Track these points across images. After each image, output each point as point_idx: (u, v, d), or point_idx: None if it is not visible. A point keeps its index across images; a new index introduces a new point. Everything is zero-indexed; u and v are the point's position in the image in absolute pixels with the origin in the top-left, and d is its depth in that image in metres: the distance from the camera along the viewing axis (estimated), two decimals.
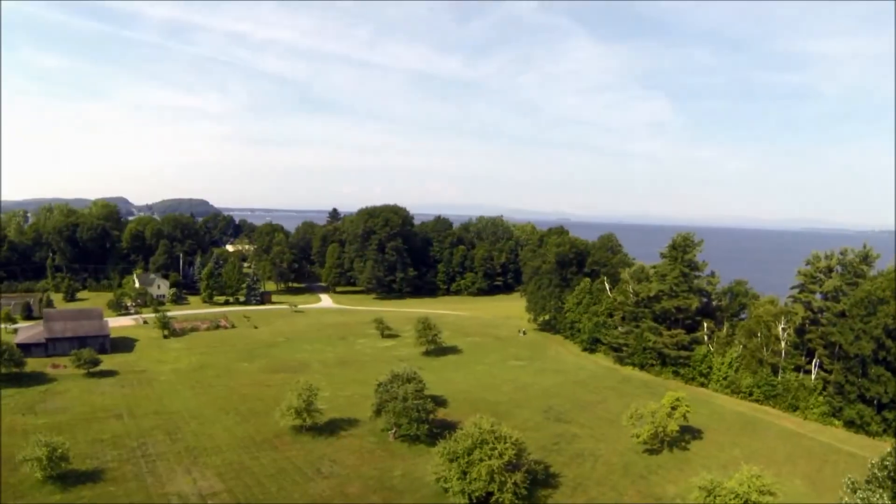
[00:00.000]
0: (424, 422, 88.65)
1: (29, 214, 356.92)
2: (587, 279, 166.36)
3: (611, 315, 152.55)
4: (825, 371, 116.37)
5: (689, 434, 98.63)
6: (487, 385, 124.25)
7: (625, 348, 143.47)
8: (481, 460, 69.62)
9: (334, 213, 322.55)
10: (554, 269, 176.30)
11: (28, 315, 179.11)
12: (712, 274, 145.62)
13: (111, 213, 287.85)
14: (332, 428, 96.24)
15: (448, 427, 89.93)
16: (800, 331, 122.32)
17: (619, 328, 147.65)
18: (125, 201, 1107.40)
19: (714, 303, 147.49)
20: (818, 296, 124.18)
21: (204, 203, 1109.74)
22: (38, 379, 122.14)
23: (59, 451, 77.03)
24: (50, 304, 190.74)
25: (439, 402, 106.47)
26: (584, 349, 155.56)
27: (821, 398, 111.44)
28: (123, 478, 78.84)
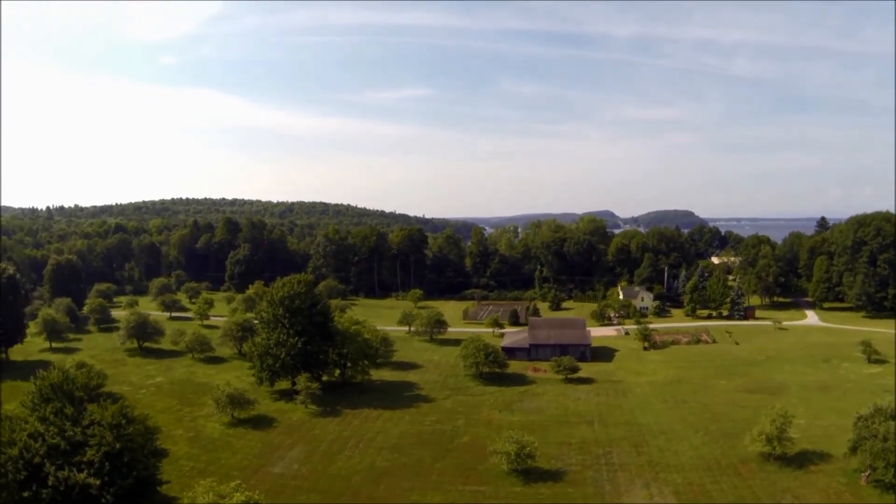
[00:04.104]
0: None
1: (519, 229, 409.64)
2: None
3: None
4: None
5: None
6: None
7: None
8: None
9: (822, 222, 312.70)
10: None
11: (514, 321, 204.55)
12: None
13: (597, 228, 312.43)
14: (801, 460, 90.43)
15: None
16: None
17: None
18: (611, 214, 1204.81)
19: None
20: None
21: (689, 214, 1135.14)
22: (519, 380, 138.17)
23: (528, 448, 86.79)
24: (536, 312, 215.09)
25: None
26: None
27: None
28: (583, 482, 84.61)
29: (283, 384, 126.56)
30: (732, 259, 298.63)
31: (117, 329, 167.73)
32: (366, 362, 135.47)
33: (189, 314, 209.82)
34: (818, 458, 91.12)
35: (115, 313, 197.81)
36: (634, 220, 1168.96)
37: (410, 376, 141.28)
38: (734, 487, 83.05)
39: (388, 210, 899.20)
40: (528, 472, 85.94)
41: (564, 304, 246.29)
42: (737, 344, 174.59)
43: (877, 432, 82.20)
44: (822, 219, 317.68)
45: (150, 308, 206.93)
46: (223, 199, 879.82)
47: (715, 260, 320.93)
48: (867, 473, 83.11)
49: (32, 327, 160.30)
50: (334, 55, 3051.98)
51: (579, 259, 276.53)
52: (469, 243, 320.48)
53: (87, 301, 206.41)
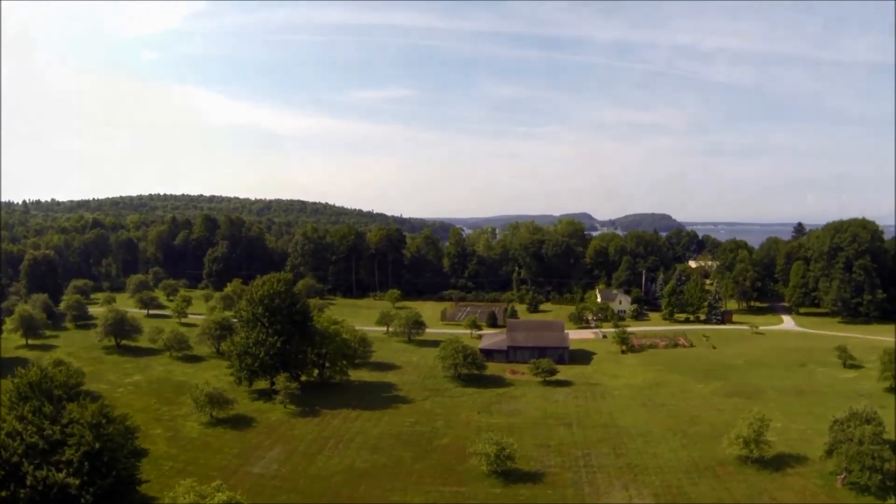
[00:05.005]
0: (878, 471, 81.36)
1: (497, 231, 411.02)
2: None
3: None
4: None
5: None
6: None
7: None
8: None
9: (799, 228, 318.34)
10: None
11: (492, 323, 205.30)
12: None
13: (575, 230, 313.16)
14: (778, 463, 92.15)
15: None
16: None
17: None
18: (589, 217, 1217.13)
19: None
20: None
21: (667, 217, 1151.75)
22: (497, 382, 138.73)
23: (507, 450, 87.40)
24: (514, 314, 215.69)
25: None
26: None
27: None
28: (562, 483, 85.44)
29: (262, 384, 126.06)
30: (710, 263, 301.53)
31: (94, 326, 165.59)
32: (344, 362, 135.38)
33: (167, 311, 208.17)
34: (795, 461, 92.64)
35: (93, 310, 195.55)
36: (612, 223, 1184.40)
37: (389, 377, 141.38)
38: (712, 489, 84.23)
39: (365, 209, 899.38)
40: (508, 474, 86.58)
41: (542, 307, 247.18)
42: (714, 348, 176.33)
43: (852, 436, 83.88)
44: (799, 224, 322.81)
45: (127, 305, 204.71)
46: (201, 195, 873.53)
47: (692, 264, 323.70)
48: (843, 476, 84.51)
49: (8, 323, 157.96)
50: (315, 54, 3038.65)
51: (557, 261, 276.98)
52: (447, 244, 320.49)
53: (64, 297, 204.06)
